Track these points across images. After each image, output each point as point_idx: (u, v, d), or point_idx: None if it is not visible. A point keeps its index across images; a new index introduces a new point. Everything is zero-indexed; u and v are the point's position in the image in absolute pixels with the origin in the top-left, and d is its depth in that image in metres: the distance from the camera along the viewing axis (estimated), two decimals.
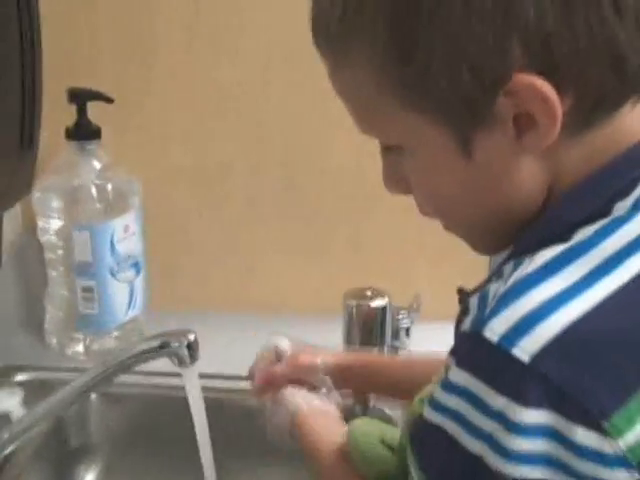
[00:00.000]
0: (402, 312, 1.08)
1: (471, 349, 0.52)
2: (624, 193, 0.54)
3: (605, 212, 0.54)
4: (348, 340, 1.06)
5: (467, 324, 0.54)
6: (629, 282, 0.51)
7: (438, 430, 0.53)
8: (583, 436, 0.48)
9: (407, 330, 1.09)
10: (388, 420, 0.97)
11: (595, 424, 0.48)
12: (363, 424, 0.76)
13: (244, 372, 0.94)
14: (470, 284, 0.63)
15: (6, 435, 0.95)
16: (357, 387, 0.91)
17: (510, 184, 0.56)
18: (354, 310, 1.05)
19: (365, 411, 0.94)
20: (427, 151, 0.57)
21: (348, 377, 0.89)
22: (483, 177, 0.57)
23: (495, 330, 0.50)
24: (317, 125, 1.18)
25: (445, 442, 0.52)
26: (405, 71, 0.53)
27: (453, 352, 0.54)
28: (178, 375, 0.97)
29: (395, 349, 1.08)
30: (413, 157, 0.59)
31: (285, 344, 0.92)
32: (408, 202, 0.63)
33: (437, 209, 0.62)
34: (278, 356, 0.91)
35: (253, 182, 1.23)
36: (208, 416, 0.97)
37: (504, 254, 0.60)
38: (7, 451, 0.96)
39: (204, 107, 1.19)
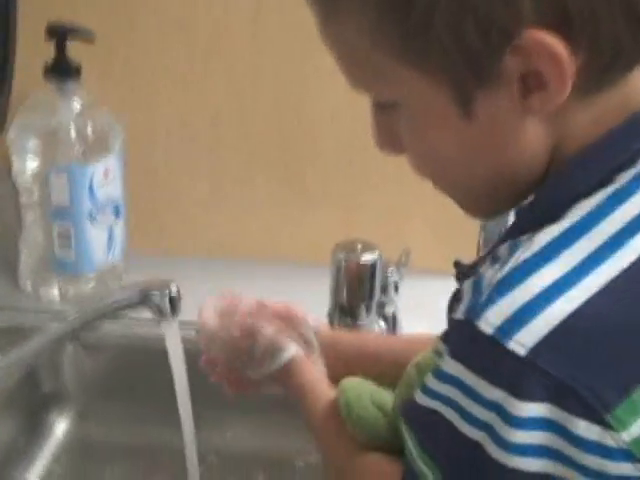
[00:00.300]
0: (391, 267, 1.07)
1: (465, 340, 0.50)
2: (629, 162, 0.51)
3: (608, 181, 0.51)
4: (336, 293, 1.04)
5: (460, 311, 0.51)
6: (630, 266, 0.49)
7: (435, 414, 0.51)
8: (585, 430, 0.46)
9: (395, 284, 1.08)
10: None
11: (598, 418, 0.46)
12: (355, 385, 0.74)
13: None
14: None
15: None
16: (344, 362, 0.82)
17: (513, 147, 0.53)
18: (343, 263, 1.04)
19: None
20: (425, 110, 0.54)
21: (336, 348, 0.83)
22: (484, 139, 0.53)
23: (490, 321, 0.48)
24: (310, 73, 1.13)
25: (444, 427, 0.50)
26: (404, 25, 0.49)
27: (446, 340, 0.52)
28: (157, 322, 0.96)
29: (382, 304, 1.07)
30: (409, 115, 0.55)
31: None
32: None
33: (433, 170, 0.59)
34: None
35: (243, 128, 1.19)
36: (187, 366, 0.96)
37: (496, 223, 0.58)
38: None
39: (192, 48, 1.14)
